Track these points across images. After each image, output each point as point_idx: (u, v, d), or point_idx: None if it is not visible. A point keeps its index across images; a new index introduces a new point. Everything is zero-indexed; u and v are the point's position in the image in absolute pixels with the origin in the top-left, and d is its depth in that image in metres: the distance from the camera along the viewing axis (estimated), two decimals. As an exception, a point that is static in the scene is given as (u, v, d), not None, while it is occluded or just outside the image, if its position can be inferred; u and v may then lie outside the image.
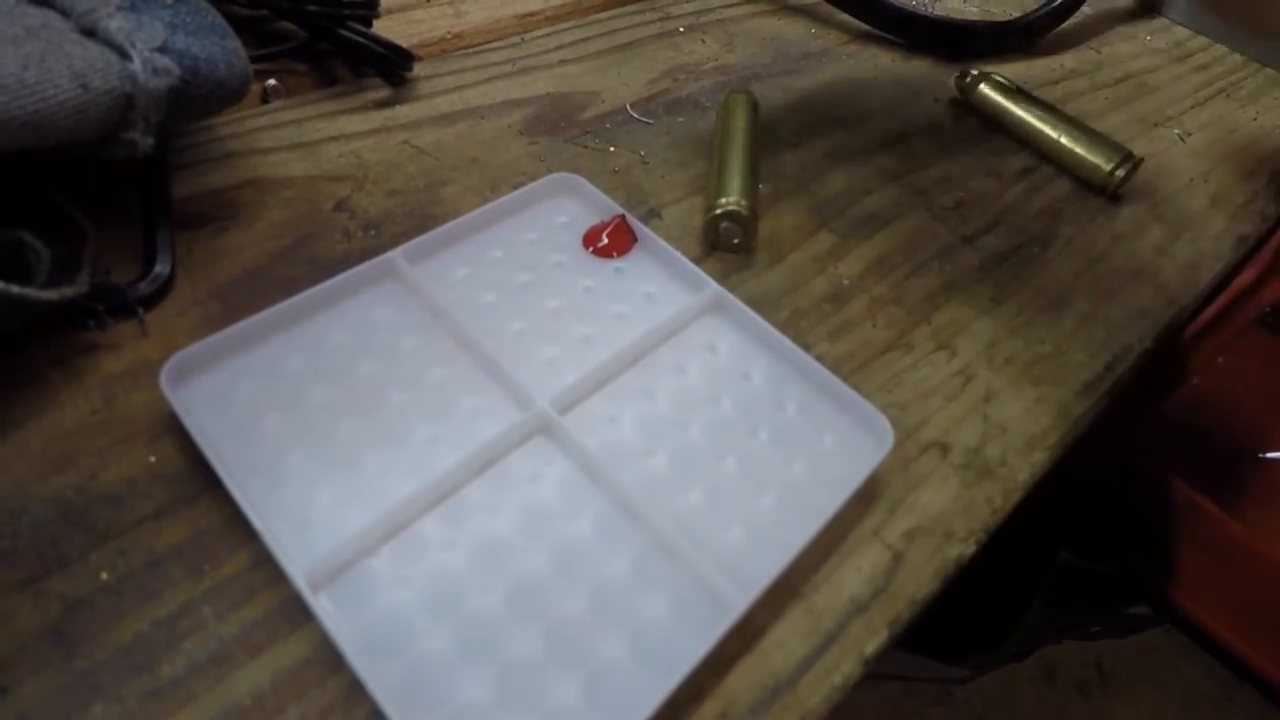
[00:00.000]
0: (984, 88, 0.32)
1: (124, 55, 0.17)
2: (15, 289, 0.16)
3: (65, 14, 0.18)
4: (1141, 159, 0.30)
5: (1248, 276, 0.28)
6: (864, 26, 0.36)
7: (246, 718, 0.14)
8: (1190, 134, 0.35)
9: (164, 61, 0.18)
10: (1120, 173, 0.30)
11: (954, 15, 0.38)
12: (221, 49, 0.20)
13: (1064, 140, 0.31)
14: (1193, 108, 0.37)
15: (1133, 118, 0.35)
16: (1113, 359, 0.25)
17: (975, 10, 0.39)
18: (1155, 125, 0.35)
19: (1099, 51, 0.39)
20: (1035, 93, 0.32)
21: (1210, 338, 0.28)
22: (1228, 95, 0.39)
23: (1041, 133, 0.31)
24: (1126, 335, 0.25)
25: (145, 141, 0.18)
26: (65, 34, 0.17)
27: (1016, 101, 0.32)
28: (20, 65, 0.16)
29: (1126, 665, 0.86)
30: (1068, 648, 0.83)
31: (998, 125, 0.32)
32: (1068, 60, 0.38)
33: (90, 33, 0.18)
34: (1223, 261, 0.29)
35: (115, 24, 0.18)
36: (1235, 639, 0.31)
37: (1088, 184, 0.31)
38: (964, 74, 0.33)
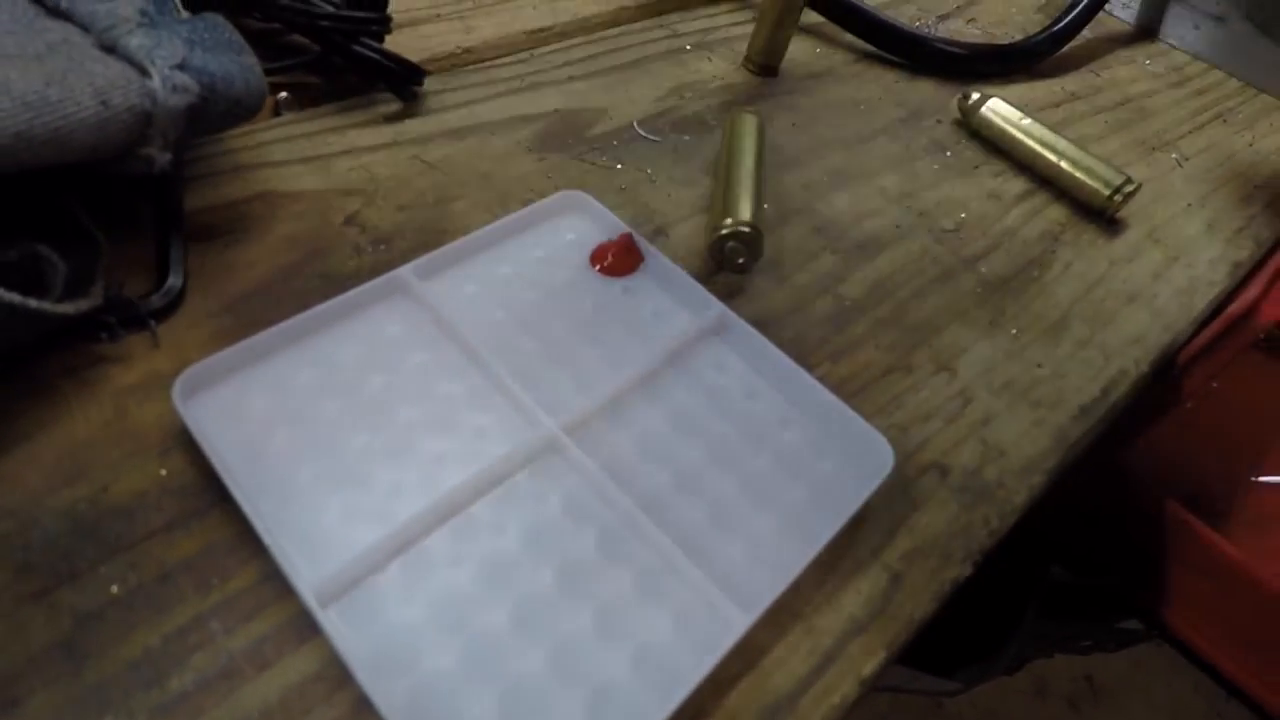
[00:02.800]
0: (985, 110, 0.33)
1: (144, 73, 0.18)
2: (33, 303, 0.16)
3: (85, 29, 0.19)
4: (1140, 185, 0.31)
5: (1242, 303, 0.28)
6: (869, 47, 0.37)
7: (254, 732, 0.14)
8: (1188, 158, 0.36)
9: (183, 79, 0.18)
10: (1119, 198, 0.30)
11: (957, 38, 0.38)
12: (238, 65, 0.20)
13: (1064, 165, 0.31)
14: (1190, 132, 0.38)
15: (1132, 141, 0.36)
16: (1109, 383, 0.25)
17: (978, 33, 0.40)
18: (1154, 149, 0.36)
19: (1099, 75, 0.40)
20: (1036, 115, 0.33)
21: (1205, 362, 0.28)
22: (1224, 120, 0.39)
23: (1042, 156, 0.32)
24: (1123, 360, 0.26)
25: (163, 157, 0.18)
26: (86, 50, 0.18)
27: (1017, 125, 0.32)
28: (43, 82, 0.16)
29: (1117, 679, 0.87)
30: (1058, 661, 0.83)
31: (998, 148, 0.33)
32: (1068, 83, 0.39)
33: (110, 49, 0.18)
34: (1218, 287, 0.30)
35: (135, 41, 0.18)
36: (1225, 659, 0.31)
37: (1087, 208, 0.31)
38: (966, 96, 0.33)
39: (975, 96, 0.33)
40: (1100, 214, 0.31)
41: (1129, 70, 0.41)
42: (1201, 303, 0.29)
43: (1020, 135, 0.32)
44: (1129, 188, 0.30)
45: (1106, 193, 0.30)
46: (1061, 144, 0.31)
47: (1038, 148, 0.32)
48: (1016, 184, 0.32)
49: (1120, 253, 0.30)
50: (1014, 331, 0.26)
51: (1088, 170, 0.31)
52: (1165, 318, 0.28)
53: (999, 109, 0.33)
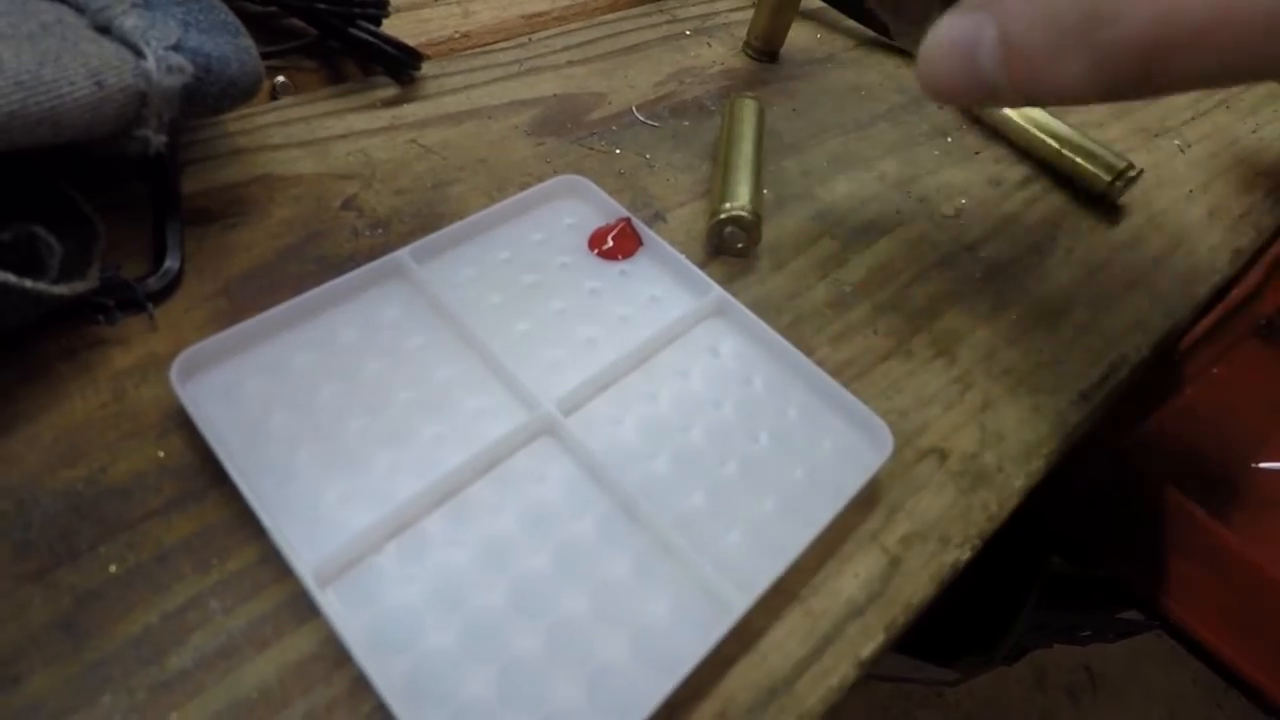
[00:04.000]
0: None
1: (138, 53, 0.18)
2: (29, 283, 0.16)
3: (79, 10, 0.19)
4: (1142, 170, 0.30)
5: (1243, 289, 0.28)
6: (870, 33, 0.36)
7: (253, 710, 0.15)
8: (1190, 145, 0.36)
9: (177, 60, 0.18)
10: (1120, 184, 0.30)
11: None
12: (234, 47, 0.20)
13: (1065, 151, 0.31)
14: (1193, 119, 0.37)
15: (1133, 127, 0.36)
16: (1109, 369, 0.25)
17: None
18: (1155, 135, 0.36)
19: (1101, 61, 0.40)
20: (1038, 102, 0.33)
21: (1205, 349, 0.28)
22: (1228, 107, 0.39)
23: (1043, 142, 0.31)
24: (1123, 345, 0.26)
25: (158, 139, 0.18)
26: (80, 30, 0.18)
27: (1018, 111, 0.32)
28: (37, 62, 0.16)
29: (1115, 670, 0.87)
30: (1058, 651, 0.84)
31: (999, 134, 0.33)
32: (1070, 70, 0.38)
33: (105, 30, 0.18)
34: (1219, 274, 0.30)
35: (130, 22, 0.18)
36: (1225, 646, 0.31)
37: (1088, 195, 0.31)
38: None
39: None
40: (1101, 200, 0.31)
41: (1132, 57, 0.41)
42: (1202, 289, 0.29)
43: (1021, 121, 0.32)
44: (1130, 174, 0.30)
45: (1108, 178, 0.30)
46: (1063, 130, 0.31)
47: (1038, 133, 0.31)
48: (1018, 170, 0.32)
49: (1121, 239, 0.30)
50: (1014, 317, 0.26)
51: (1089, 156, 0.31)
52: (1166, 304, 0.28)
53: None
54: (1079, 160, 0.31)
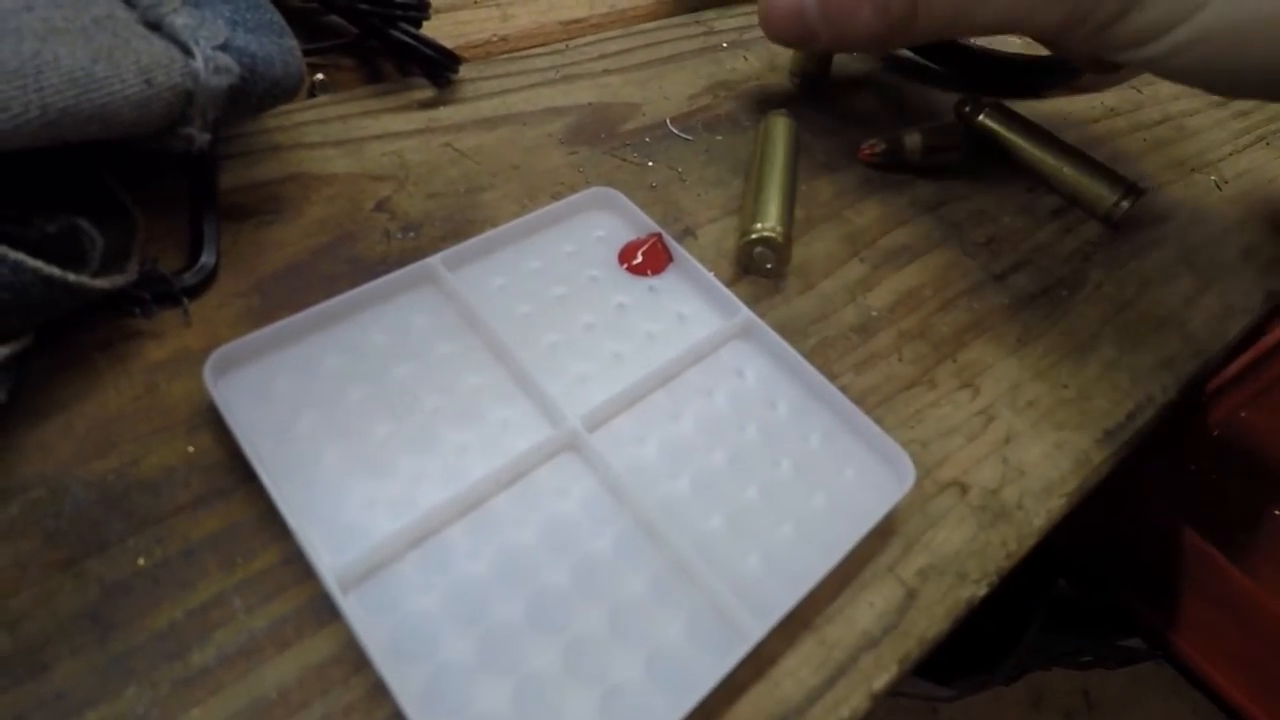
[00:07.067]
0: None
1: (187, 52, 0.18)
2: (71, 277, 0.16)
3: (130, 3, 0.19)
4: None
5: (1276, 335, 0.28)
6: (907, 53, 0.36)
7: (272, 710, 0.15)
8: (1227, 182, 0.35)
9: (225, 60, 0.18)
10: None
11: (996, 48, 0.37)
12: (279, 48, 0.20)
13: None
14: (1231, 155, 0.37)
15: (1170, 162, 0.35)
16: (1135, 408, 0.25)
17: (1018, 43, 0.39)
18: (1192, 170, 0.35)
19: (1140, 91, 0.39)
20: (1074, 130, 0.32)
21: (1234, 392, 0.28)
22: (1267, 144, 0.38)
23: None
24: (1150, 385, 0.25)
25: (202, 137, 0.18)
26: (131, 26, 0.18)
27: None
28: (90, 59, 0.16)
29: (1114, 696, 0.87)
30: (1056, 674, 0.83)
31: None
32: (1108, 99, 0.38)
33: (155, 26, 0.18)
34: (1251, 315, 0.29)
35: (180, 20, 0.18)
36: (1233, 689, 0.31)
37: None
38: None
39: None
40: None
41: (1171, 87, 0.40)
42: (1234, 330, 0.28)
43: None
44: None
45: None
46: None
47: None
48: (1049, 200, 0.31)
49: (1152, 275, 0.29)
50: (1040, 350, 0.25)
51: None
52: (1196, 343, 0.27)
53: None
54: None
